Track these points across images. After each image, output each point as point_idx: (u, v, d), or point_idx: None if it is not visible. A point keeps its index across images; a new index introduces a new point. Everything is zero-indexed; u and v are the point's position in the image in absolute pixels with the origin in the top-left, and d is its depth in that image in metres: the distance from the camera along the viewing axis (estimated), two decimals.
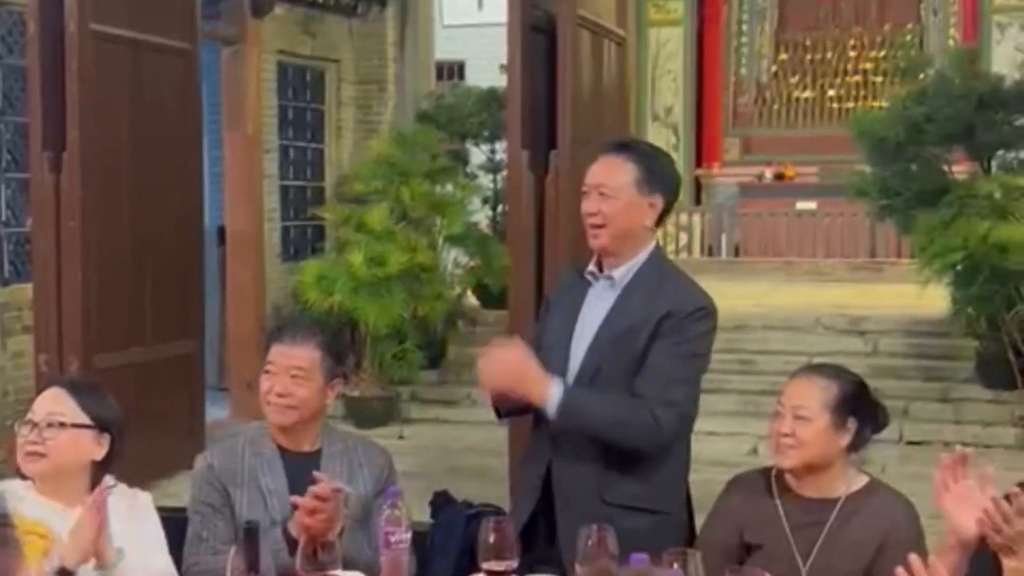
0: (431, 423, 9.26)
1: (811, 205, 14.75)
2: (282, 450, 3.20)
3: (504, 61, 6.63)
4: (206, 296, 7.97)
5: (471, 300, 10.77)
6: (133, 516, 2.95)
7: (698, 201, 16.17)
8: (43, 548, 2.73)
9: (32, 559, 2.57)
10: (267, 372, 3.20)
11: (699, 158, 16.41)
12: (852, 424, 3.04)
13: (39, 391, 3.06)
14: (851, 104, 16.03)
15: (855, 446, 3.07)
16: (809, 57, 16.61)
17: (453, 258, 10.43)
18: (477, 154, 11.91)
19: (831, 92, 16.36)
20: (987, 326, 8.43)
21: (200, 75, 7.66)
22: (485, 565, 2.79)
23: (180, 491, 5.91)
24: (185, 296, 7.40)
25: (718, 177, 16.24)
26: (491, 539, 2.75)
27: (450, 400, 9.55)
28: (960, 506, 2.69)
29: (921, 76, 10.50)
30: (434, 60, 12.94)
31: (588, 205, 3.29)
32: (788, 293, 12.11)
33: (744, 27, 16.61)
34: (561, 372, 3.28)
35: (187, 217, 7.45)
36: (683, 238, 15.41)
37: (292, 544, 2.89)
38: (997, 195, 8.36)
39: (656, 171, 3.31)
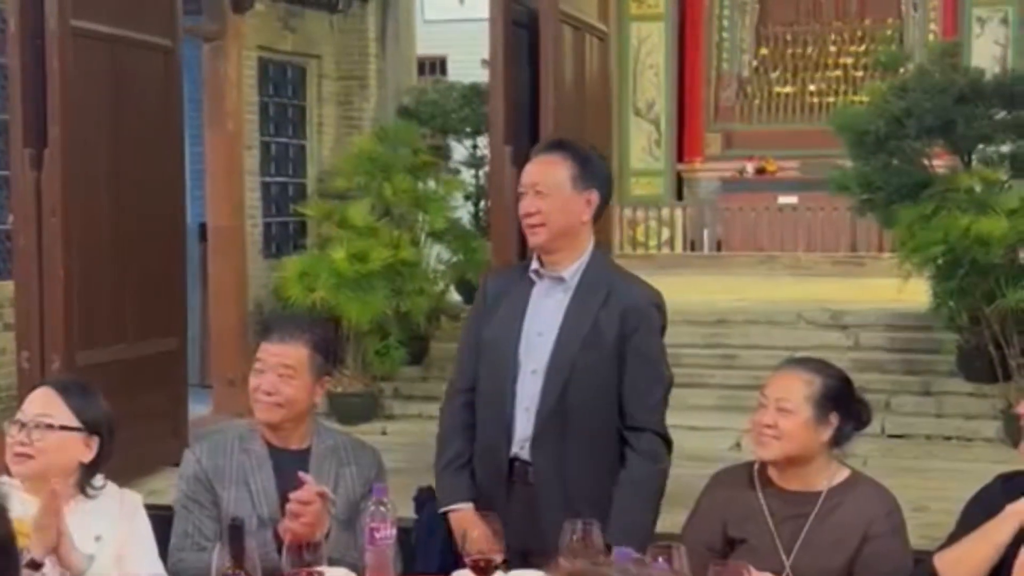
0: (414, 419, 9.24)
1: (792, 199, 14.77)
2: (271, 447, 3.20)
3: (485, 56, 6.63)
4: (188, 293, 7.95)
5: (454, 296, 10.76)
6: (123, 516, 2.95)
7: (680, 196, 16.18)
8: (26, 547, 2.73)
9: None
10: (256, 369, 3.20)
11: (681, 153, 16.41)
12: (834, 419, 3.06)
13: (21, 389, 3.06)
14: (832, 98, 16.03)
15: (837, 441, 3.09)
16: (790, 52, 16.61)
17: (436, 254, 10.42)
18: (459, 149, 11.90)
19: (812, 87, 16.37)
20: (968, 319, 8.46)
21: (181, 72, 7.64)
22: (469, 559, 2.80)
23: (164, 488, 5.91)
24: (167, 293, 7.38)
25: (700, 172, 16.24)
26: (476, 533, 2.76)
27: (433, 396, 9.50)
28: None
29: (901, 70, 10.56)
30: (415, 55, 12.92)
31: (526, 205, 3.36)
32: (770, 287, 12.12)
33: (725, 22, 16.61)
34: (507, 368, 3.35)
35: (169, 214, 7.42)
36: (665, 233, 15.42)
37: (282, 544, 2.89)
38: (977, 189, 8.38)
39: (590, 167, 3.38)
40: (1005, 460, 3.75)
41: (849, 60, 16.30)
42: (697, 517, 3.20)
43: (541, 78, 6.28)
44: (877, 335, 9.46)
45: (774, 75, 16.58)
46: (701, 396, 8.59)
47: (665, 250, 15.33)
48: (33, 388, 3.03)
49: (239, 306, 9.70)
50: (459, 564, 2.90)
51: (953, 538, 2.98)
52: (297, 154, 11.60)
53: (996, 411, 8.00)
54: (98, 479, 2.96)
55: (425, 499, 3.63)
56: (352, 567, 2.94)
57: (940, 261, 8.24)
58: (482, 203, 11.39)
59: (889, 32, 16.15)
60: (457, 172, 11.54)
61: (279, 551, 2.86)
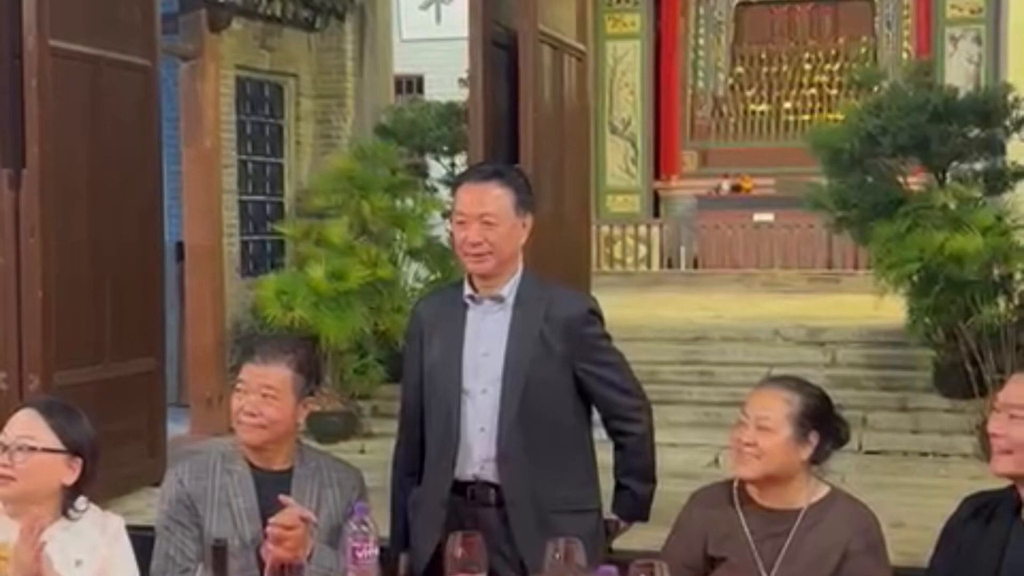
0: (392, 437, 9.10)
1: (768, 217, 14.84)
2: (253, 468, 3.19)
3: (463, 75, 6.64)
4: (165, 312, 7.92)
5: None
6: (104, 541, 2.94)
7: (656, 213, 16.24)
8: (6, 573, 2.72)
9: None
10: (238, 390, 3.19)
11: (657, 170, 16.48)
12: (814, 438, 3.07)
13: (0, 410, 3.04)
14: (807, 116, 16.14)
15: (816, 459, 3.11)
16: (765, 70, 16.71)
17: (414, 272, 10.41)
18: (437, 168, 11.91)
19: (787, 104, 16.47)
20: (944, 336, 8.50)
21: (160, 91, 7.63)
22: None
23: (142, 508, 5.89)
24: (145, 313, 7.35)
25: (676, 189, 16.31)
26: (458, 553, 2.77)
27: None
28: None
29: (876, 89, 10.58)
30: (393, 74, 12.93)
31: (472, 235, 3.32)
32: (746, 304, 12.15)
33: (701, 40, 16.70)
34: (452, 394, 3.38)
35: (147, 233, 7.40)
36: (642, 250, 15.47)
37: (264, 566, 2.89)
38: (952, 206, 8.43)
39: (524, 192, 3.42)
40: (981, 476, 3.78)
41: (824, 78, 16.41)
42: (677, 536, 3.21)
43: (520, 98, 6.31)
44: (854, 352, 9.50)
45: (749, 93, 16.67)
46: (679, 413, 8.60)
47: (642, 267, 15.39)
48: (16, 410, 3.02)
49: (217, 325, 9.68)
50: None
51: (932, 567, 3.01)
52: (275, 172, 11.58)
53: (972, 427, 8.04)
54: (80, 502, 2.95)
55: None
56: None
57: (916, 278, 8.28)
58: None
59: (863, 50, 16.27)
60: (435, 191, 11.54)
61: (261, 573, 2.86)
